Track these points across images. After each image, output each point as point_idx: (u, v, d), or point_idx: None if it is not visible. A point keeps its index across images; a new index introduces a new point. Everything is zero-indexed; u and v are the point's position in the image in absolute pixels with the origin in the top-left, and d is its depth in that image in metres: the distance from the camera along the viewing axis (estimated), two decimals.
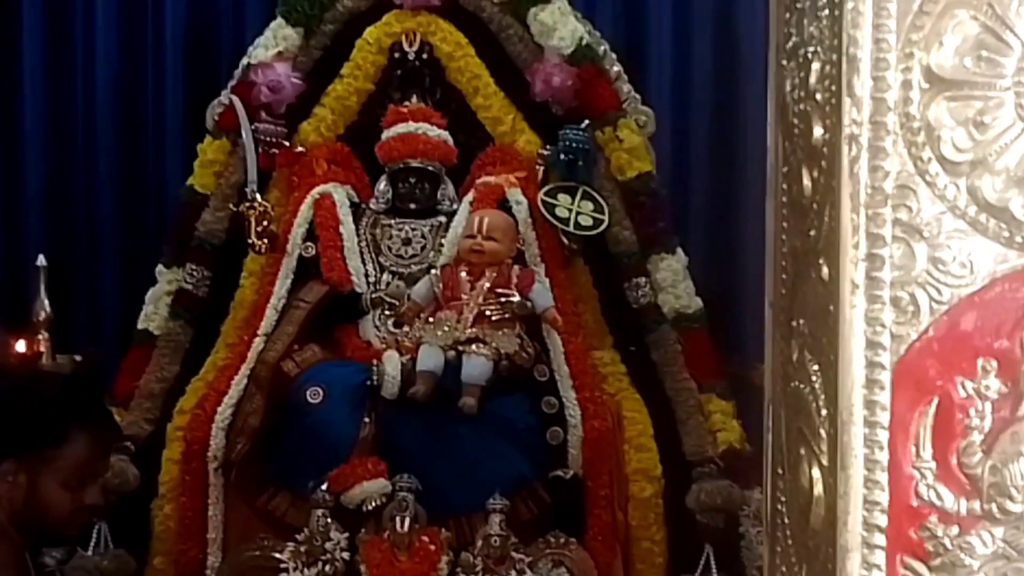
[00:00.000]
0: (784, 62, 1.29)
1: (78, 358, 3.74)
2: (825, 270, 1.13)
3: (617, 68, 3.64)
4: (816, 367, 1.16)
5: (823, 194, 1.15)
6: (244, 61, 3.66)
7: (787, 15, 1.31)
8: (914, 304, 1.08)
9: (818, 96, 1.15)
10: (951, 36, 1.08)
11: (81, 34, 4.11)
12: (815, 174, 1.17)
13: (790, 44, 1.26)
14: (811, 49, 1.17)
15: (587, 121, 3.50)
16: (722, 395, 3.43)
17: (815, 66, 1.16)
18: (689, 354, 3.45)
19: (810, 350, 1.18)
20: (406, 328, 3.29)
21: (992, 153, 1.08)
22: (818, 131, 1.15)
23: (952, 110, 1.08)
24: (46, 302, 3.69)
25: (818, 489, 1.14)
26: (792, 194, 1.26)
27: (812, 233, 1.18)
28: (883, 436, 1.07)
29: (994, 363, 1.08)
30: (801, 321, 1.22)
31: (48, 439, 2.27)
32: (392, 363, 3.14)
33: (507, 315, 3.19)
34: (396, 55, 3.62)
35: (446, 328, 3.15)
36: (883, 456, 1.07)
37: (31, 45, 4.11)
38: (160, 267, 3.63)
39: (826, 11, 1.14)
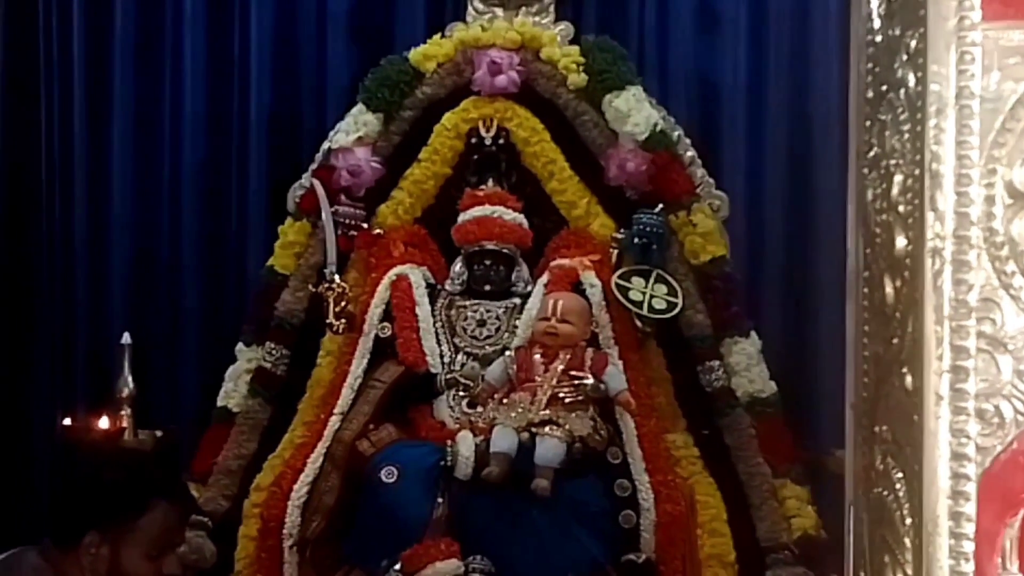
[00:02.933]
0: (865, 171, 1.31)
1: (159, 434, 3.81)
2: (909, 379, 1.15)
3: (691, 153, 3.68)
4: (900, 475, 1.17)
5: (906, 304, 1.17)
6: (325, 146, 3.75)
7: (867, 123, 1.34)
8: (999, 416, 1.09)
9: (900, 208, 1.18)
10: None
11: (169, 117, 4.23)
12: (897, 284, 1.19)
13: (871, 154, 1.29)
14: (893, 162, 1.20)
15: (661, 205, 3.53)
16: (797, 480, 3.41)
17: (897, 178, 1.19)
18: (763, 438, 3.43)
19: (893, 457, 1.19)
20: (480, 409, 3.31)
21: None
22: (901, 242, 1.18)
23: None
24: (130, 379, 3.78)
25: None
26: (873, 300, 1.28)
27: (895, 341, 1.20)
28: (969, 548, 1.08)
29: None
30: (884, 427, 1.23)
31: (129, 511, 2.34)
32: (466, 444, 3.16)
33: (580, 397, 3.20)
34: (473, 140, 3.69)
35: (520, 410, 3.17)
36: (969, 568, 1.08)
37: (121, 127, 4.23)
38: (240, 346, 3.71)
39: (908, 126, 1.17)
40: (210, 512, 3.44)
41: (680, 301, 3.46)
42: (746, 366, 3.50)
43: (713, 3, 4.11)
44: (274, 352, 3.65)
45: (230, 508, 3.45)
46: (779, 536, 3.30)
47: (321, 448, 3.33)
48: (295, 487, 3.27)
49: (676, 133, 3.68)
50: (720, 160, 3.92)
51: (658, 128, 3.58)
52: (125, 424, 3.75)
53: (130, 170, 4.23)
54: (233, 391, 3.66)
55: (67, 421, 3.89)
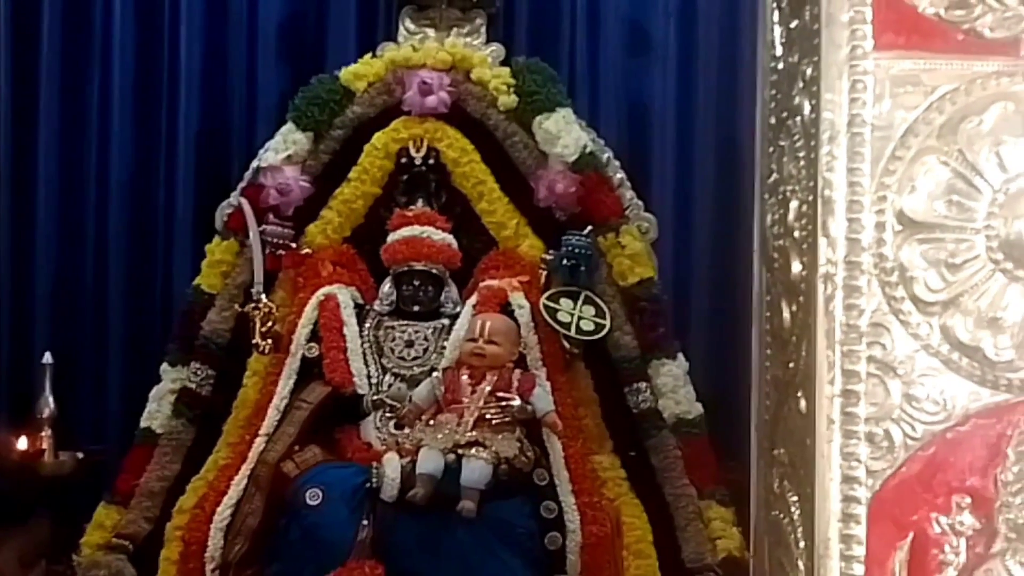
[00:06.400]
0: (766, 196, 1.33)
1: (80, 455, 3.75)
2: (803, 403, 1.16)
3: (620, 175, 3.71)
4: (795, 498, 1.18)
5: (801, 329, 1.18)
6: (254, 164, 3.73)
7: (770, 149, 1.35)
8: (889, 440, 1.10)
9: (796, 233, 1.19)
10: (923, 180, 1.12)
11: (96, 134, 4.19)
12: (793, 308, 1.21)
13: (771, 179, 1.31)
14: (789, 188, 1.22)
15: (590, 227, 3.55)
16: (722, 502, 3.43)
17: (793, 204, 1.20)
18: (689, 460, 3.45)
19: (790, 480, 1.20)
20: (407, 430, 3.30)
21: (964, 294, 1.11)
22: (796, 267, 1.19)
23: (924, 252, 1.12)
24: (51, 399, 3.72)
25: None
26: (773, 324, 1.29)
27: (791, 365, 1.21)
28: (859, 570, 1.09)
29: (968, 499, 1.10)
30: (782, 450, 1.24)
31: (12, 518, 2.35)
32: (392, 465, 3.14)
33: (507, 419, 3.20)
34: (403, 160, 3.68)
35: (446, 431, 3.16)
36: None
37: (47, 143, 4.18)
38: (165, 365, 3.66)
39: (803, 152, 1.19)
40: (131, 535, 3.38)
41: (608, 323, 3.48)
42: (673, 388, 3.52)
43: (643, 27, 4.16)
44: (199, 372, 3.61)
45: (152, 531, 3.39)
46: (704, 557, 3.31)
47: (245, 470, 3.30)
48: (218, 509, 3.24)
49: (605, 155, 3.71)
50: (649, 182, 3.95)
51: (587, 150, 3.60)
52: (45, 445, 3.68)
53: (55, 186, 4.18)
54: (157, 412, 3.61)
55: None
